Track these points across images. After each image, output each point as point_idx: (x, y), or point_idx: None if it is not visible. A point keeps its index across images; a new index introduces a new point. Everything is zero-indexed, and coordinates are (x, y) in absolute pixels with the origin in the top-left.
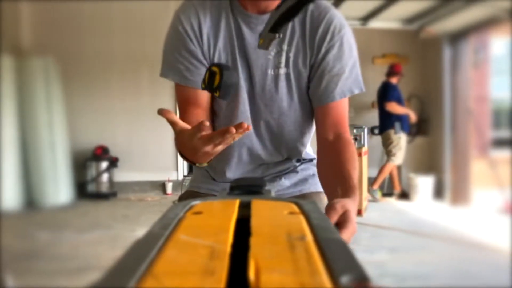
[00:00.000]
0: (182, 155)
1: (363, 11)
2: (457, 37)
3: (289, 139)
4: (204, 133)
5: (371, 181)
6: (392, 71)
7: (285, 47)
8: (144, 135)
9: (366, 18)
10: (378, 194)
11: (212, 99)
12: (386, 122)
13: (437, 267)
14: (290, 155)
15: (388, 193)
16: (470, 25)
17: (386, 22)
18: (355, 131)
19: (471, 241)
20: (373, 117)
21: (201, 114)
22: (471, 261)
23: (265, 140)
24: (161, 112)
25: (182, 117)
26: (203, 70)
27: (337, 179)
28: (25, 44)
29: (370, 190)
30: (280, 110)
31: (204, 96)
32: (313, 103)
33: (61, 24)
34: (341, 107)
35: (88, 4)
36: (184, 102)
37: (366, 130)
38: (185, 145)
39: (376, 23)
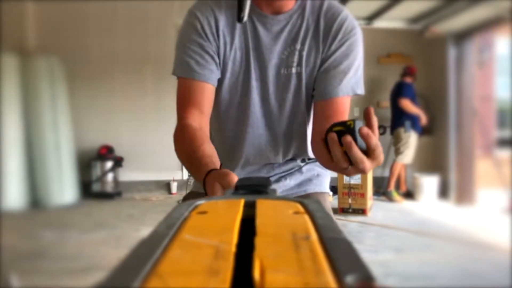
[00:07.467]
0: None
1: (368, 11)
2: (462, 36)
3: (298, 138)
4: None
5: (375, 181)
6: (407, 72)
7: (298, 46)
8: (149, 134)
9: (371, 18)
10: (394, 195)
11: (218, 99)
12: (398, 120)
13: (442, 267)
14: (297, 155)
15: None
16: (475, 24)
17: (391, 21)
18: None
19: (476, 241)
20: (378, 117)
21: (204, 121)
22: (476, 261)
23: (275, 140)
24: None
25: (180, 117)
26: (213, 66)
27: None
28: (29, 44)
29: (386, 193)
30: (291, 109)
31: (208, 93)
32: (315, 96)
33: (65, 24)
34: (342, 104)
35: (92, 4)
36: (186, 100)
37: None
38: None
39: (381, 23)
